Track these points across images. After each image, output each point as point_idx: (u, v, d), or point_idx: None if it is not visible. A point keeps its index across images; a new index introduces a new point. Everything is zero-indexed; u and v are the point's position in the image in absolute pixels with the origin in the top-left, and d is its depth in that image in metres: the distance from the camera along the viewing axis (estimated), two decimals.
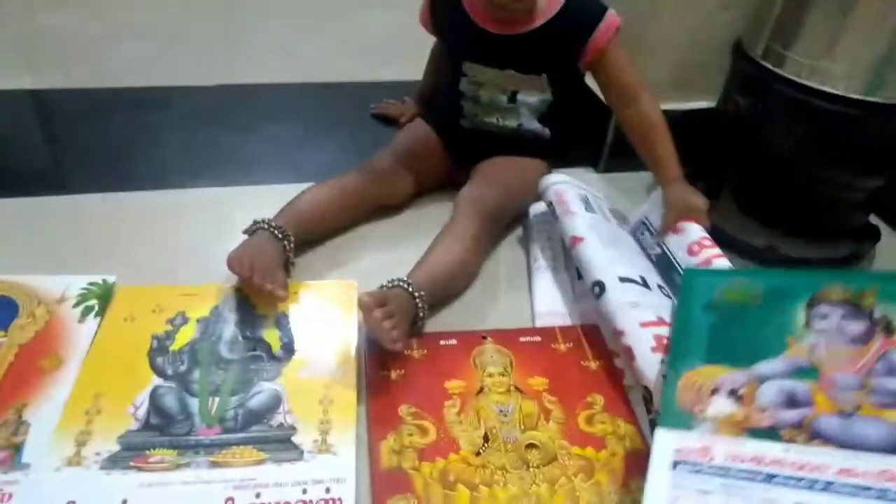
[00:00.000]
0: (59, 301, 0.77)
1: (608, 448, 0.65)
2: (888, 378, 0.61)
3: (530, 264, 0.90)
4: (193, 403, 0.69)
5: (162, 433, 0.65)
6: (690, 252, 0.82)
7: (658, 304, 0.75)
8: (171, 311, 0.78)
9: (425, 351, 0.75)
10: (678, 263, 0.83)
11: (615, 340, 0.72)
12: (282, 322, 0.78)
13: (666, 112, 1.01)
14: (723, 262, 0.80)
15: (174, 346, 0.74)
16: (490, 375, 0.72)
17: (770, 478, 0.54)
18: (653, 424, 0.66)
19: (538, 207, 0.95)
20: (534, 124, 0.97)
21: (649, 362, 0.68)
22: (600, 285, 0.75)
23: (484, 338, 0.77)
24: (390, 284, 0.76)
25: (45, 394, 0.68)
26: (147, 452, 0.63)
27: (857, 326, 0.66)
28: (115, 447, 0.64)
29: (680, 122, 1.02)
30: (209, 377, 0.71)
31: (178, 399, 0.69)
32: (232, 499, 0.60)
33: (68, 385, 0.69)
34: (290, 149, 1.14)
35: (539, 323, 0.80)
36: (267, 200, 0.88)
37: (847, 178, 0.90)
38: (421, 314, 0.76)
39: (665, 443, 0.59)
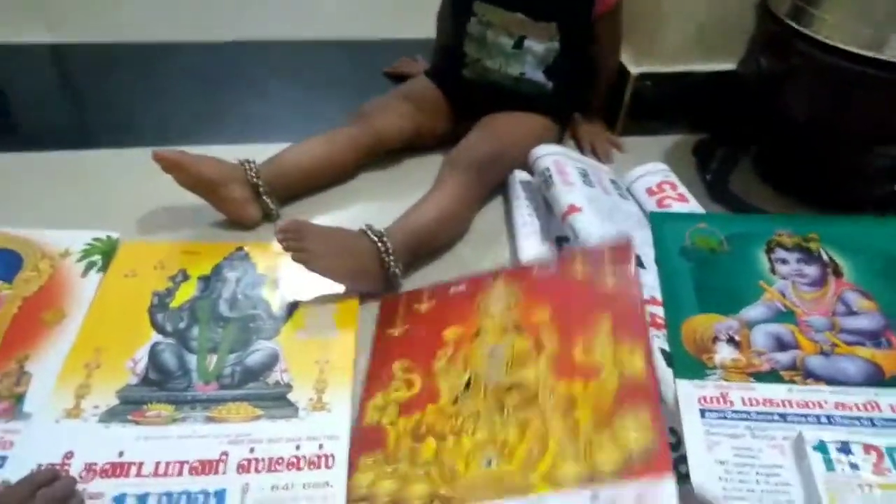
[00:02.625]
0: (62, 255, 0.78)
1: (601, 377, 0.59)
2: (849, 318, 0.68)
3: (513, 226, 0.87)
4: (192, 360, 0.69)
5: (160, 388, 0.66)
6: (650, 193, 0.87)
7: (653, 284, 0.74)
8: (173, 268, 0.78)
9: (434, 302, 0.74)
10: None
11: None
12: (281, 281, 0.78)
13: (685, 74, 0.98)
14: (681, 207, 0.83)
15: (174, 303, 0.74)
16: (491, 317, 0.70)
17: (783, 417, 0.60)
18: None
19: (522, 176, 0.93)
20: (537, 75, 0.95)
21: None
22: None
23: (495, 277, 0.74)
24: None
25: (46, 346, 0.69)
26: (144, 407, 0.64)
27: (812, 270, 0.73)
28: (114, 401, 0.65)
29: (700, 85, 1.00)
30: (208, 334, 0.72)
31: (176, 355, 0.69)
32: (227, 453, 0.61)
33: (70, 338, 0.70)
34: (299, 107, 1.12)
35: None
36: (267, 157, 0.88)
37: (873, 145, 0.86)
38: (385, 258, 0.75)
39: (688, 394, 0.61)
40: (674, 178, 0.90)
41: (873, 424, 0.59)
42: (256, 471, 0.60)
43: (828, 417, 0.60)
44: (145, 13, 1.38)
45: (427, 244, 0.81)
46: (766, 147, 0.95)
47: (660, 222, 0.82)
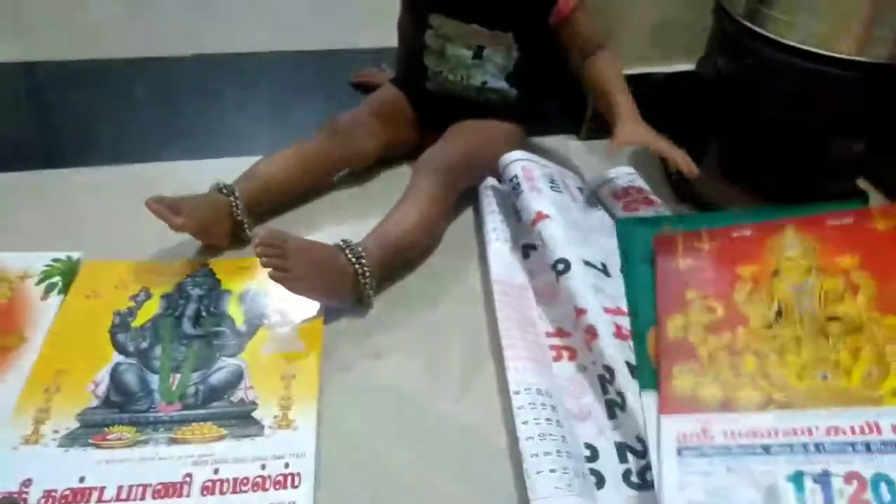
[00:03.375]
0: (21, 278, 0.77)
1: None
2: None
3: (484, 234, 0.87)
4: (154, 380, 0.68)
5: (122, 410, 0.65)
6: (616, 197, 0.88)
7: (617, 293, 0.75)
8: (135, 287, 0.77)
9: (717, 243, 0.75)
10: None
11: (576, 319, 0.71)
12: (246, 297, 0.77)
13: (645, 75, 0.99)
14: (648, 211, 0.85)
15: (136, 323, 0.73)
16: (788, 259, 0.72)
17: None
18: (610, 405, 0.66)
19: (490, 181, 0.93)
20: (499, 83, 0.95)
21: (610, 344, 0.67)
22: (565, 262, 0.74)
23: (784, 226, 0.75)
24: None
25: (6, 372, 0.67)
26: (106, 430, 0.63)
27: None
28: (74, 424, 0.63)
29: (660, 86, 1.00)
30: (171, 353, 0.71)
31: (138, 376, 0.68)
32: (190, 475, 0.60)
33: (29, 362, 0.68)
34: (263, 120, 1.11)
35: (497, 289, 0.78)
36: (236, 173, 0.87)
37: (832, 141, 0.87)
38: (362, 278, 0.75)
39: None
40: (640, 182, 0.91)
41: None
42: (221, 492, 0.59)
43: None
44: (106, 29, 1.37)
45: (401, 256, 0.81)
46: (728, 145, 0.96)
47: (625, 228, 0.82)
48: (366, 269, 0.75)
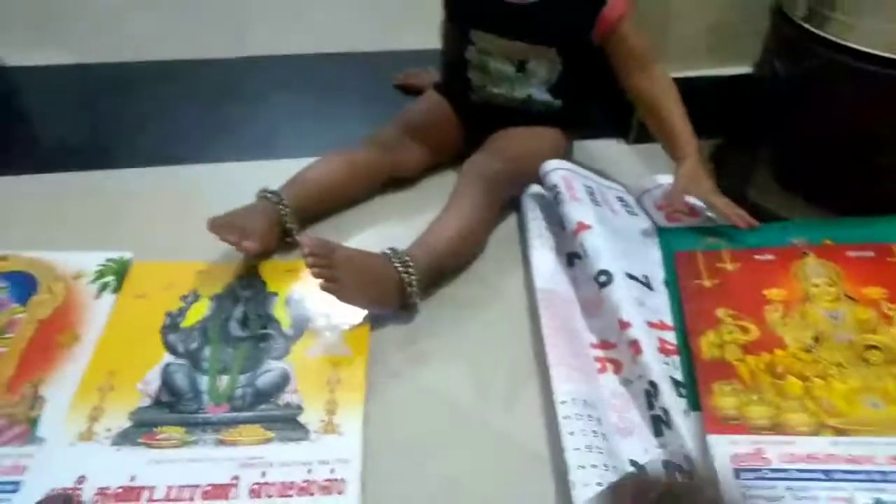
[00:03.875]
0: (76, 277, 0.78)
1: None
2: None
3: (527, 241, 0.86)
4: (203, 381, 0.69)
5: (171, 410, 0.66)
6: (658, 207, 0.87)
7: (661, 307, 0.74)
8: (184, 287, 0.78)
9: (739, 264, 0.76)
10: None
11: (620, 332, 0.70)
12: (292, 299, 0.78)
13: (698, 79, 0.97)
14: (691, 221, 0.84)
15: (186, 323, 0.75)
16: (815, 285, 0.73)
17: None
18: (655, 421, 0.65)
19: (534, 188, 0.91)
20: (544, 95, 0.93)
21: (654, 359, 0.66)
22: (607, 274, 0.73)
23: (805, 253, 0.76)
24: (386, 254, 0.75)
25: (60, 369, 0.69)
26: (156, 429, 0.64)
27: None
28: (126, 423, 0.65)
29: (712, 90, 0.98)
30: (219, 355, 0.72)
31: (187, 377, 0.69)
32: (238, 477, 0.61)
33: (83, 361, 0.70)
34: (306, 122, 1.12)
35: (541, 297, 0.77)
36: (280, 174, 0.88)
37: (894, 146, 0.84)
38: (409, 287, 0.74)
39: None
40: None
41: None
42: (268, 496, 0.59)
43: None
44: (154, 32, 1.39)
45: (447, 264, 0.80)
46: (783, 151, 0.93)
47: (668, 239, 0.80)
48: (412, 277, 0.75)
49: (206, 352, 0.72)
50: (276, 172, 0.88)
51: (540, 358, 0.72)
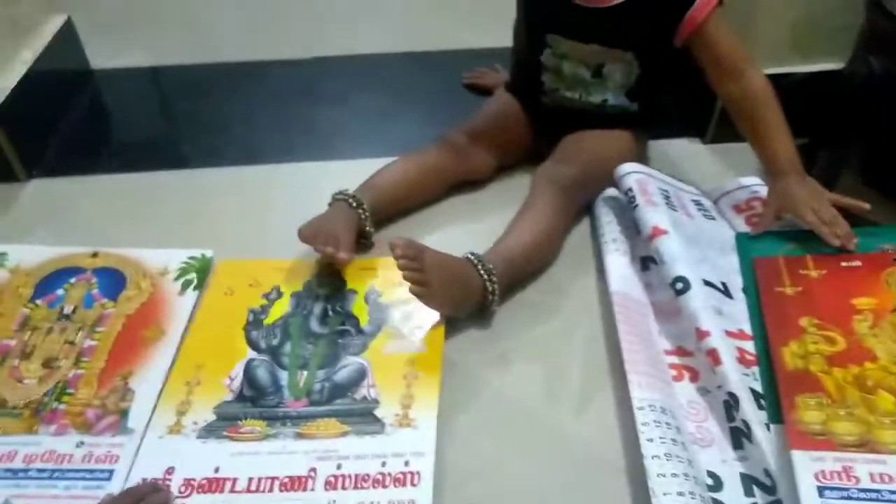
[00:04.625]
0: (161, 274, 0.82)
1: None
2: None
3: (600, 244, 0.85)
4: (283, 376, 0.71)
5: (254, 404, 0.69)
6: (738, 210, 0.84)
7: (740, 316, 0.72)
8: (267, 285, 0.81)
9: (825, 271, 0.73)
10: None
11: (698, 341, 0.68)
12: (370, 297, 0.79)
13: (783, 76, 0.93)
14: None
15: (268, 321, 0.77)
16: None
17: None
18: (735, 434, 0.63)
19: (609, 192, 0.90)
20: (620, 99, 0.91)
21: (733, 370, 0.64)
22: (684, 281, 0.71)
23: (895, 260, 0.74)
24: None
25: (147, 363, 0.72)
26: (239, 423, 0.67)
27: None
28: (211, 417, 0.67)
29: (799, 87, 0.94)
30: (299, 351, 0.74)
31: (269, 372, 0.72)
32: (315, 469, 0.62)
33: (169, 354, 0.73)
34: (381, 121, 1.13)
35: (616, 300, 0.75)
36: (356, 174, 0.89)
37: None
38: (490, 296, 0.75)
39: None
40: (763, 193, 0.85)
41: None
42: (343, 488, 0.61)
43: None
44: (228, 34, 1.43)
45: (524, 270, 0.81)
46: (874, 152, 0.88)
47: (746, 244, 0.78)
48: (495, 284, 0.75)
49: (287, 347, 0.74)
50: (352, 172, 0.90)
51: (614, 363, 0.72)
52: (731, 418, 0.64)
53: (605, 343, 0.75)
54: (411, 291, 0.70)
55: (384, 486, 0.60)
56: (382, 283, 0.80)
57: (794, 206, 0.78)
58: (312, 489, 0.61)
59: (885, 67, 0.78)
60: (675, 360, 0.71)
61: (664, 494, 0.56)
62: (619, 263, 0.80)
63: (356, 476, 0.61)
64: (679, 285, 0.71)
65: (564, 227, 0.87)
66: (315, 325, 0.76)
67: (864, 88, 0.81)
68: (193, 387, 0.70)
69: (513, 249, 0.79)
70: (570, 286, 0.83)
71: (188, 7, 1.50)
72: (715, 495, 0.59)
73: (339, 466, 0.62)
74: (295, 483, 0.61)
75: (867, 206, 0.76)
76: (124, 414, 0.67)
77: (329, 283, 0.81)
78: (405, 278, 0.69)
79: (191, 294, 0.80)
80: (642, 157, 0.95)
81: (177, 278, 0.81)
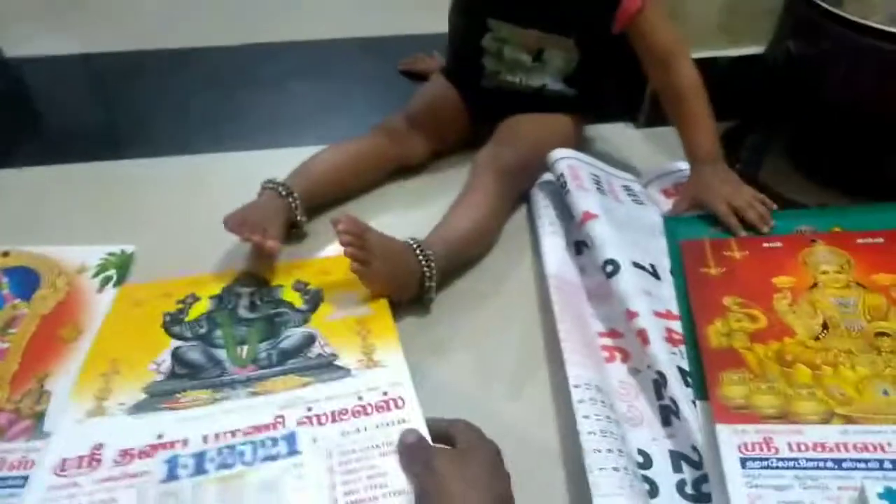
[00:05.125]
0: (79, 271, 0.78)
1: None
2: None
3: (537, 228, 0.85)
4: (220, 353, 0.67)
5: (192, 378, 0.63)
6: (666, 194, 0.86)
7: (668, 297, 0.73)
8: (180, 294, 0.75)
9: (747, 252, 0.75)
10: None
11: (628, 322, 0.69)
12: (298, 286, 0.76)
13: (711, 60, 0.94)
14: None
15: (189, 318, 0.73)
16: (824, 273, 0.72)
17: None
18: (664, 411, 0.64)
19: (546, 176, 0.90)
20: (559, 85, 0.91)
21: (661, 349, 0.65)
22: (614, 264, 0.72)
23: (813, 241, 0.75)
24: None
25: (64, 363, 0.68)
26: (177, 395, 0.61)
27: None
28: (141, 396, 0.61)
29: (728, 70, 0.96)
30: (233, 332, 0.70)
31: (203, 353, 0.67)
32: (282, 416, 0.58)
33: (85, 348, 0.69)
34: (316, 109, 1.11)
35: (552, 283, 0.76)
36: (290, 163, 0.87)
37: None
38: (428, 281, 0.74)
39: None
40: None
41: None
42: (320, 423, 0.57)
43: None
44: (161, 20, 1.39)
45: (463, 256, 0.80)
46: (799, 133, 0.91)
47: (674, 227, 0.79)
48: (434, 270, 0.74)
49: (218, 332, 0.70)
50: (285, 161, 0.88)
51: (550, 347, 0.72)
52: (660, 396, 0.65)
53: (542, 327, 0.75)
54: (352, 269, 0.69)
55: (366, 415, 0.57)
56: (309, 276, 0.77)
57: (706, 194, 0.80)
58: (285, 429, 0.56)
59: (802, 51, 0.80)
60: (608, 341, 0.72)
61: (599, 469, 0.56)
62: (555, 247, 0.81)
63: (332, 413, 0.57)
64: (609, 268, 0.72)
65: (503, 213, 0.87)
66: (245, 313, 0.72)
67: (784, 72, 0.83)
68: (111, 376, 0.64)
69: (452, 235, 0.78)
70: (508, 271, 0.82)
71: None
72: (645, 472, 0.60)
73: (309, 409, 0.57)
74: (261, 430, 0.56)
75: (774, 205, 0.79)
76: (40, 417, 0.63)
77: (251, 282, 0.77)
78: (347, 254, 0.68)
79: (110, 291, 0.76)
80: (579, 142, 0.96)
81: (95, 275, 0.78)
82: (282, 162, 0.87)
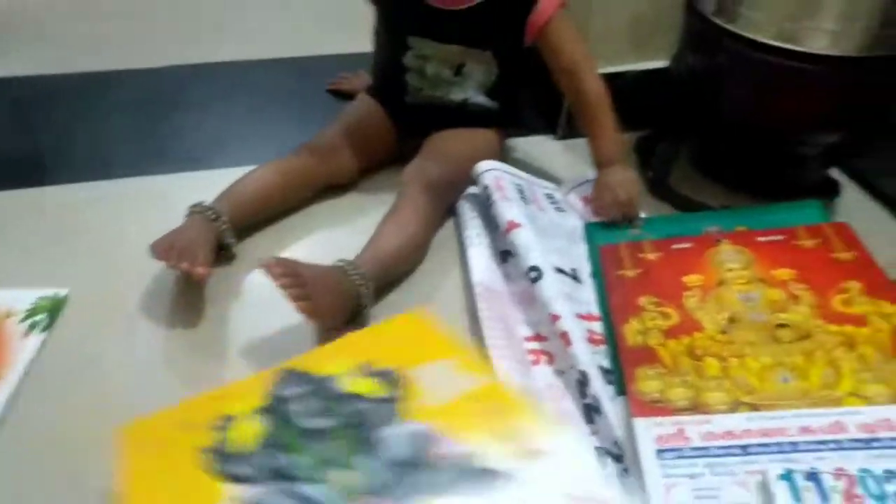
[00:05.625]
0: (6, 316, 0.75)
1: (871, 325, 0.67)
2: None
3: (464, 239, 0.88)
4: (313, 491, 0.50)
5: None
6: (586, 201, 0.91)
7: (589, 299, 0.77)
8: (204, 418, 0.56)
9: (660, 254, 0.80)
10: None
11: (550, 325, 0.72)
12: (365, 368, 0.60)
13: (619, 74, 1.00)
14: None
15: (240, 450, 0.53)
16: (730, 270, 0.76)
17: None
18: (588, 410, 0.67)
19: (471, 189, 0.93)
20: (480, 98, 0.95)
21: (584, 350, 0.69)
22: (537, 270, 0.75)
23: (719, 240, 0.79)
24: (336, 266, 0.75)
25: None
26: None
27: None
28: None
29: (636, 83, 1.01)
30: (312, 457, 0.52)
31: (291, 496, 0.50)
32: None
33: (1, 399, 0.67)
34: (243, 130, 1.11)
35: (478, 291, 0.78)
36: (218, 186, 0.87)
37: (803, 135, 0.88)
38: (364, 300, 0.75)
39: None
40: None
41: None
42: None
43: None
44: (84, 43, 1.36)
45: (394, 273, 0.81)
46: (702, 141, 0.97)
47: (593, 232, 0.83)
48: (370, 290, 0.75)
49: (294, 460, 0.52)
50: (212, 183, 0.87)
51: (479, 353, 0.73)
52: (583, 395, 0.68)
53: (471, 335, 0.77)
54: (298, 309, 0.68)
55: None
56: (368, 352, 0.62)
57: (598, 192, 0.88)
58: None
59: (701, 65, 0.85)
60: (534, 345, 0.75)
61: None
62: (481, 256, 0.84)
63: None
64: (533, 274, 0.75)
65: (433, 226, 0.89)
66: (312, 423, 0.55)
67: (686, 85, 0.88)
68: None
69: (383, 252, 0.79)
70: (438, 282, 0.84)
71: (33, 17, 1.41)
72: None
73: None
74: None
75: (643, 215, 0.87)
76: None
77: (295, 383, 0.60)
78: (288, 297, 0.68)
79: (36, 337, 0.73)
80: (503, 155, 1.00)
81: (23, 320, 0.75)
82: (210, 185, 0.87)
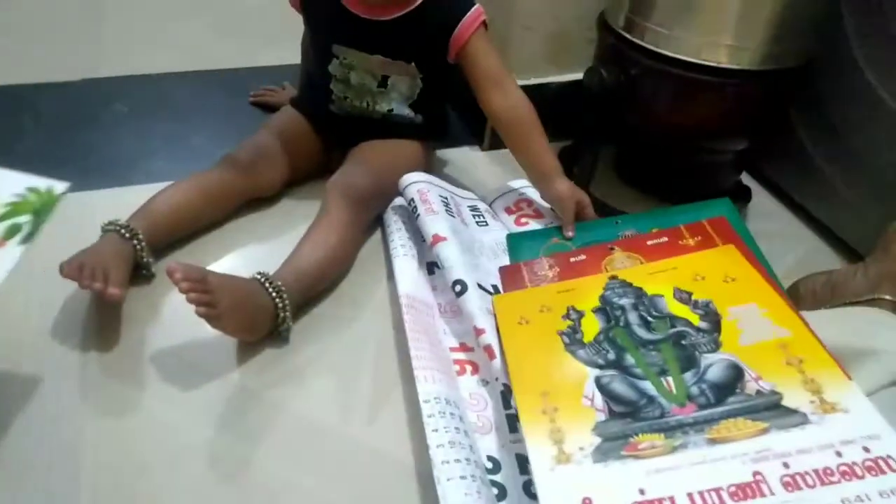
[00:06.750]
0: None
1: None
2: None
3: (390, 251, 0.88)
4: (646, 386, 0.61)
5: (635, 419, 0.58)
6: (508, 212, 0.93)
7: None
8: (558, 306, 0.71)
9: (557, 269, 0.79)
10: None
11: (476, 337, 0.73)
12: (683, 296, 0.70)
13: (541, 86, 1.02)
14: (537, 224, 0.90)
15: (586, 339, 0.67)
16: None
17: None
18: (510, 419, 0.68)
19: (398, 200, 0.94)
20: (405, 110, 0.95)
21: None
22: (462, 284, 0.76)
23: (612, 249, 0.80)
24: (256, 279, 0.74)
25: None
26: (631, 440, 0.56)
27: None
28: (597, 440, 0.57)
29: (555, 96, 1.04)
30: (644, 359, 0.64)
31: (628, 384, 0.62)
32: (759, 472, 0.52)
33: None
34: (162, 144, 1.08)
35: (404, 302, 0.79)
36: (134, 203, 0.84)
37: (712, 143, 0.92)
38: (281, 313, 0.74)
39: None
40: (530, 194, 0.94)
41: None
42: (808, 485, 0.51)
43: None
44: None
45: (317, 285, 0.81)
46: (619, 150, 1.00)
47: (516, 244, 0.85)
48: (286, 302, 0.74)
49: (629, 358, 0.64)
50: (131, 200, 0.84)
51: (405, 365, 0.74)
52: (507, 406, 0.69)
53: (396, 347, 0.77)
54: (199, 314, 0.67)
55: (857, 477, 0.50)
56: (685, 282, 0.71)
57: (561, 204, 0.88)
58: (772, 493, 0.50)
59: (612, 77, 0.88)
60: (460, 355, 0.76)
61: (447, 480, 0.59)
62: (407, 267, 0.84)
63: (816, 472, 0.51)
64: (458, 287, 0.76)
65: (357, 239, 0.89)
66: (643, 333, 0.67)
67: (599, 95, 0.90)
68: (553, 414, 0.59)
69: (304, 265, 0.79)
70: (365, 294, 0.85)
71: None
72: (493, 477, 0.63)
73: (785, 465, 0.51)
74: (745, 491, 0.51)
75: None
76: None
77: (625, 290, 0.72)
78: (190, 301, 0.66)
79: (15, 248, 0.60)
80: (429, 166, 1.00)
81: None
82: (127, 202, 0.84)
